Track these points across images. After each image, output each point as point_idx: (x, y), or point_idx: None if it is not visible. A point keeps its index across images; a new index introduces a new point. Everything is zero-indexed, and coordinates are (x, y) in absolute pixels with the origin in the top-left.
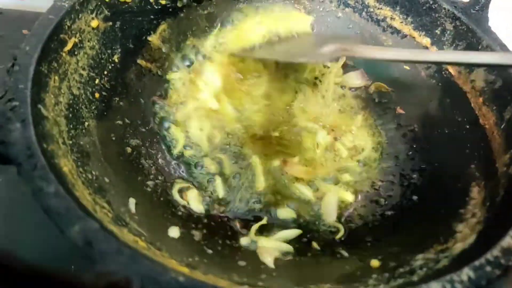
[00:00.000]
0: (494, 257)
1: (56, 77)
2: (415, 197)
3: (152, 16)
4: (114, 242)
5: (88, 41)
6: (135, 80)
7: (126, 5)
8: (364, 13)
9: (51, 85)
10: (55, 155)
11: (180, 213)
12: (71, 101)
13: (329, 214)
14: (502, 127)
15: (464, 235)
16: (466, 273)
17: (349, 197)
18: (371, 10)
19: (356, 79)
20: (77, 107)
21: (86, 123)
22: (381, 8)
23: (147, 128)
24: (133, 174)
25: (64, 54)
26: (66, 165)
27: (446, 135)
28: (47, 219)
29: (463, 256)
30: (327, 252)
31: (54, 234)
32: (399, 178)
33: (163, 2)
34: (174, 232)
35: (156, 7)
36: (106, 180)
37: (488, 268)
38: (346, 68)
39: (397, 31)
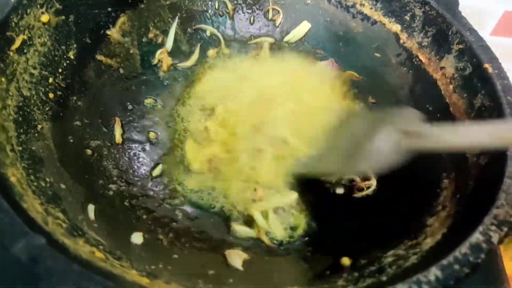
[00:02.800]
0: (463, 255)
1: (3, 79)
2: (386, 190)
3: (110, 8)
4: (62, 258)
5: (39, 37)
6: (95, 77)
7: None
8: (333, 0)
9: None
10: (1, 165)
11: (145, 216)
12: (21, 104)
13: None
14: (472, 115)
15: (434, 229)
16: (434, 272)
17: None
18: None
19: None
20: (28, 110)
21: (39, 126)
22: None
23: (109, 128)
24: (94, 177)
25: (11, 53)
26: (14, 174)
27: None
28: None
29: (432, 253)
30: (297, 251)
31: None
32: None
33: None
34: (137, 238)
35: None
36: (62, 186)
37: (456, 267)
38: (316, 57)
39: (367, 18)
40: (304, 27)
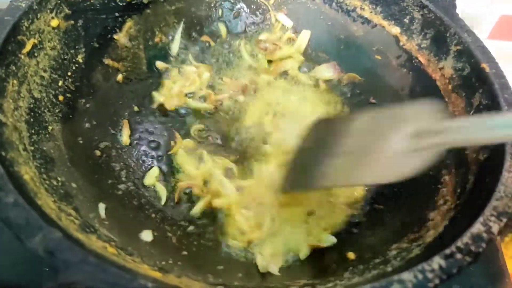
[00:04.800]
0: (465, 244)
1: (15, 81)
2: (389, 187)
3: (117, 14)
4: (79, 250)
5: (49, 41)
6: (103, 81)
7: (88, 3)
8: (334, 4)
9: (9, 89)
10: (15, 163)
11: (153, 215)
12: (32, 105)
13: None
14: (471, 113)
15: (436, 222)
16: (437, 261)
17: None
18: (341, 0)
19: (328, 71)
20: (39, 111)
21: (50, 127)
22: None
23: (117, 129)
24: (103, 177)
25: (22, 56)
26: (28, 172)
27: None
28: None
29: (434, 244)
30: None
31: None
32: None
33: None
34: (147, 235)
35: (121, 4)
36: (73, 185)
37: (459, 256)
38: (318, 60)
39: (367, 21)
40: (305, 36)
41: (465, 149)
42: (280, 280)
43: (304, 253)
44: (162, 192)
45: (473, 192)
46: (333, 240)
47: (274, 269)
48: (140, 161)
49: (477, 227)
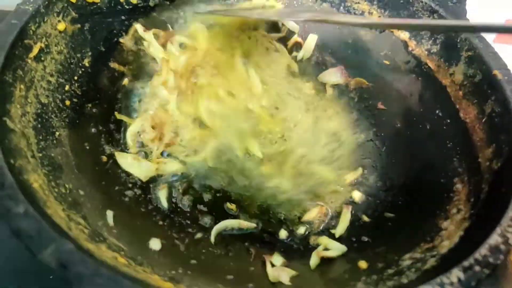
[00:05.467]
0: (483, 256)
1: (22, 86)
2: (400, 195)
3: (123, 17)
4: (91, 263)
5: (56, 45)
6: (109, 85)
7: (95, 6)
8: (341, 8)
9: (16, 94)
10: (24, 171)
11: (161, 222)
12: (39, 111)
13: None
14: (483, 121)
15: (450, 232)
16: (456, 274)
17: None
18: (349, 4)
19: (335, 76)
20: (47, 117)
21: (57, 133)
22: (358, 3)
23: (123, 134)
24: (110, 184)
25: (29, 61)
26: (37, 180)
27: (428, 130)
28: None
29: (450, 255)
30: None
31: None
32: (383, 176)
33: (134, 2)
34: (155, 244)
35: (127, 7)
36: (81, 192)
37: (477, 268)
38: (325, 64)
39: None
40: (311, 40)
41: (477, 157)
42: None
43: (314, 262)
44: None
45: (488, 202)
46: (343, 248)
47: (285, 279)
48: None
49: (494, 238)
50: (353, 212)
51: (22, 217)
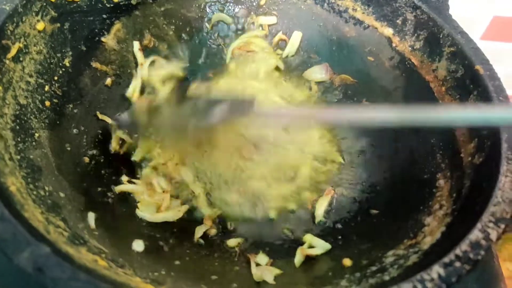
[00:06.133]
0: (463, 252)
1: (0, 87)
2: (384, 191)
3: (104, 16)
4: (68, 267)
5: (35, 45)
6: (90, 85)
7: (75, 5)
8: (325, 5)
9: None
10: (1, 174)
11: (144, 223)
12: (17, 112)
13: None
14: None
15: (432, 228)
16: (436, 270)
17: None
18: (332, 1)
19: (320, 73)
20: (25, 118)
21: (37, 135)
22: None
23: (105, 135)
24: (92, 185)
25: (7, 61)
26: (14, 183)
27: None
28: None
29: (432, 251)
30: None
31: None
32: (367, 172)
33: (116, 0)
34: (138, 245)
35: (109, 5)
36: (61, 195)
37: (458, 264)
38: (310, 62)
39: (359, 22)
40: (296, 37)
41: (459, 152)
42: None
43: (298, 259)
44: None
45: (470, 197)
46: (326, 246)
47: (269, 278)
48: (130, 168)
49: (475, 234)
50: (335, 198)
51: None
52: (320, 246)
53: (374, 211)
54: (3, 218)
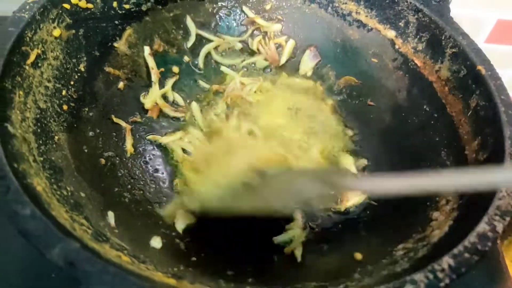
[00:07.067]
0: (472, 244)
1: (21, 92)
2: None
3: (116, 22)
4: (97, 261)
5: (52, 51)
6: (104, 89)
7: (89, 12)
8: (329, 9)
9: (16, 100)
10: (28, 175)
11: (161, 222)
12: (38, 116)
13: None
14: (469, 114)
15: (440, 222)
16: (446, 261)
17: None
18: (336, 5)
19: (311, 60)
20: (45, 121)
21: (56, 137)
22: (345, 3)
23: (120, 137)
24: (109, 186)
25: (27, 67)
26: (39, 184)
27: (416, 124)
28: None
29: (440, 244)
30: (310, 249)
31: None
32: (374, 170)
33: (127, 7)
34: (156, 242)
35: (120, 12)
36: (82, 194)
37: (467, 255)
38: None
39: (363, 25)
40: (290, 46)
41: (464, 149)
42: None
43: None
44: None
45: (475, 192)
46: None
47: None
48: (145, 168)
49: (482, 226)
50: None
51: (29, 219)
52: None
53: (383, 208)
54: (34, 216)
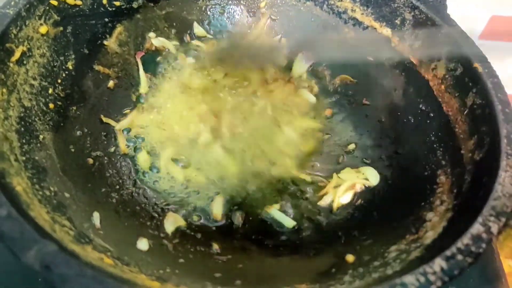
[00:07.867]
0: (465, 245)
1: (4, 90)
2: (385, 188)
3: (106, 19)
4: (75, 263)
5: (38, 48)
6: (93, 87)
7: (77, 9)
8: (325, 6)
9: None
10: (7, 174)
11: (149, 223)
12: (22, 114)
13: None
14: (465, 113)
15: (434, 223)
16: (439, 263)
17: None
18: (332, 2)
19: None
20: (30, 120)
21: (41, 136)
22: (341, 0)
23: (108, 137)
24: (96, 186)
25: (11, 65)
26: (20, 183)
27: (412, 124)
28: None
29: (434, 246)
30: (301, 250)
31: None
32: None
33: (117, 4)
34: (143, 244)
35: (110, 9)
36: (67, 195)
37: (460, 257)
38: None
39: (358, 23)
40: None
41: (460, 148)
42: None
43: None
44: None
45: (470, 192)
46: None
47: None
48: (133, 168)
49: (476, 227)
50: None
51: (5, 220)
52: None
53: (375, 208)
54: (11, 216)
